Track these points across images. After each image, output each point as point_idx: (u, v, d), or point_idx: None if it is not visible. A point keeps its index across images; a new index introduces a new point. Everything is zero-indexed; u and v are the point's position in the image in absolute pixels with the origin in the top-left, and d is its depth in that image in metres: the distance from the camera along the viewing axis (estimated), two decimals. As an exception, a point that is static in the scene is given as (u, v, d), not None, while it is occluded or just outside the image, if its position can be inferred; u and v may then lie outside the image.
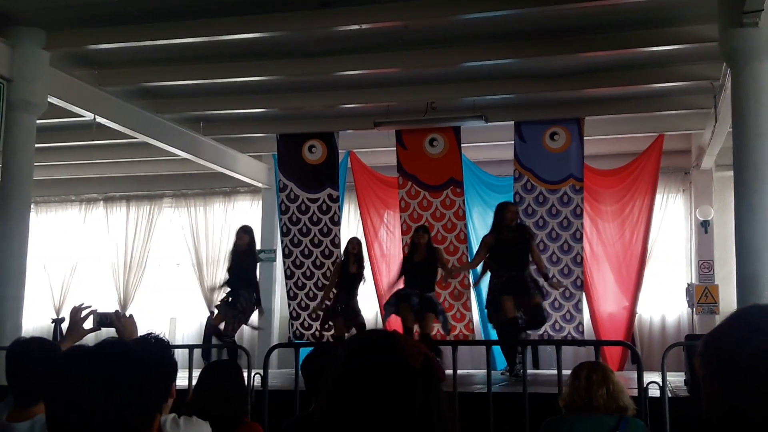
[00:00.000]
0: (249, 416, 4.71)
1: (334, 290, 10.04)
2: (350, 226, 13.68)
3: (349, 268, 9.72)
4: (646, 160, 11.94)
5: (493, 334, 9.91)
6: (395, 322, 9.53)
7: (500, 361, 9.97)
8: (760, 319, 1.54)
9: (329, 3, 8.17)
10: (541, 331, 8.92)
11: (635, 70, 10.02)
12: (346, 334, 9.72)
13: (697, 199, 12.67)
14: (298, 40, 9.20)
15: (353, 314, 9.67)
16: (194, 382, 4.26)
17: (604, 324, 11.94)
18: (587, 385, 4.02)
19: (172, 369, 2.46)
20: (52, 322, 14.64)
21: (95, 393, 1.65)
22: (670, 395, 5.94)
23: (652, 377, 5.99)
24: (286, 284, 12.38)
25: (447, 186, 11.70)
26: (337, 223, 12.17)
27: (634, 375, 5.94)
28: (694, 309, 11.91)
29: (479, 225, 12.36)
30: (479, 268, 10.67)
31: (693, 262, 12.78)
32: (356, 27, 8.45)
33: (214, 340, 9.52)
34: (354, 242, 9.92)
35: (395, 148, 11.84)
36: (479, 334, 11.66)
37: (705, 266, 12.41)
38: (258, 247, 13.80)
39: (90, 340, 2.63)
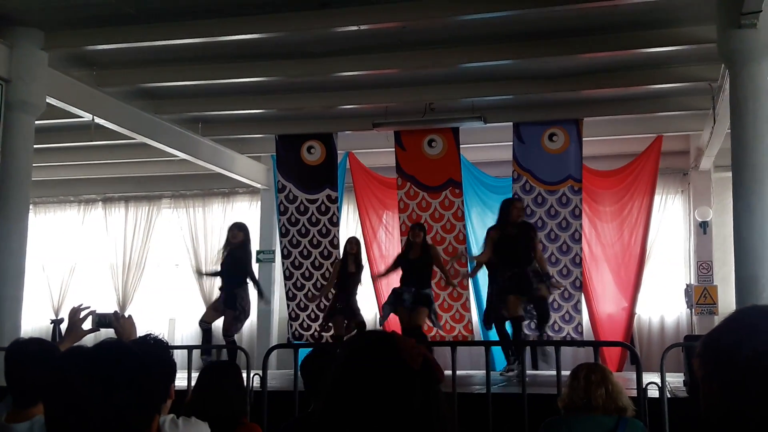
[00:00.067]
0: (248, 417, 4.71)
1: (332, 290, 10.04)
2: (349, 226, 13.68)
3: (347, 268, 9.72)
4: (644, 161, 11.95)
5: (492, 335, 9.91)
6: (394, 323, 9.54)
7: (499, 361, 9.98)
8: (759, 319, 1.55)
9: (328, 3, 8.18)
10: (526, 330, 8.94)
11: (634, 71, 10.03)
12: (345, 335, 9.71)
13: (695, 200, 12.68)
14: (296, 41, 9.20)
15: (352, 314, 9.67)
16: (193, 383, 4.26)
17: (603, 325, 11.95)
18: (586, 386, 4.02)
19: (171, 370, 2.46)
20: (51, 323, 14.63)
21: (94, 394, 1.65)
22: (669, 396, 5.94)
23: (651, 378, 5.99)
24: (285, 285, 12.38)
25: (446, 187, 11.70)
26: (336, 224, 12.17)
27: (633, 376, 5.94)
28: (693, 310, 11.93)
29: (478, 226, 12.36)
30: (473, 250, 10.70)
31: (692, 262, 12.79)
32: (355, 28, 8.45)
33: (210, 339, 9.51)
34: (353, 242, 9.92)
35: (394, 149, 11.84)
36: (478, 335, 11.66)
37: (704, 267, 12.42)
38: (257, 247, 13.88)
39: (89, 340, 2.63)
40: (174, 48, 9.27)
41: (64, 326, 6.26)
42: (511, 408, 5.88)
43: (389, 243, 12.87)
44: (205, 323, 9.39)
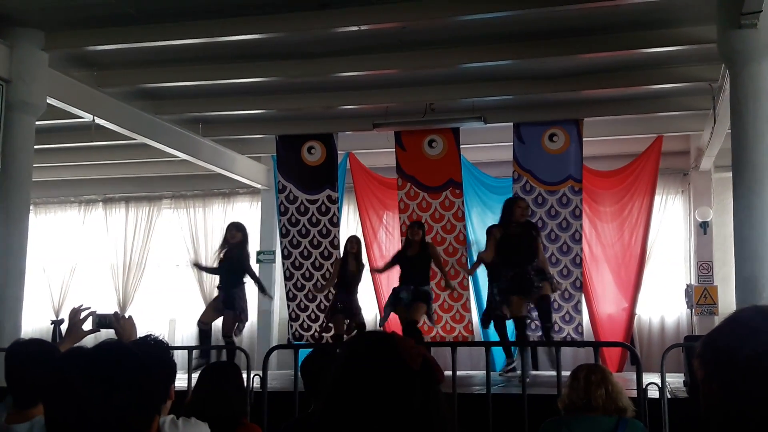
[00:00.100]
0: (248, 417, 4.72)
1: (332, 290, 10.05)
2: (349, 227, 13.68)
3: (348, 267, 9.73)
4: (645, 162, 11.95)
5: (492, 335, 9.91)
6: (394, 324, 9.54)
7: (500, 362, 9.97)
8: (759, 320, 1.55)
9: (328, 4, 8.18)
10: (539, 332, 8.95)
11: (634, 71, 10.03)
12: (345, 335, 9.72)
13: (695, 201, 12.68)
14: (297, 42, 9.20)
15: (352, 313, 9.67)
16: (193, 384, 4.26)
17: (604, 325, 11.95)
18: (586, 386, 4.02)
19: (171, 370, 2.46)
20: (52, 324, 14.62)
21: (94, 394, 1.65)
22: (669, 396, 5.94)
23: (651, 378, 5.99)
24: (285, 285, 12.38)
25: (446, 187, 11.70)
26: (336, 225, 12.17)
27: (634, 376, 5.94)
28: (693, 310, 11.93)
29: (478, 226, 12.36)
30: (474, 256, 10.68)
31: (692, 263, 12.79)
32: (355, 28, 8.45)
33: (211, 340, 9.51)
34: (353, 241, 9.93)
35: (394, 150, 11.84)
36: (478, 336, 11.66)
37: (704, 267, 12.42)
38: (257, 248, 13.88)
39: (89, 341, 2.63)
40: (174, 48, 9.27)
41: (64, 327, 6.27)
42: (511, 409, 5.88)
43: (390, 243, 12.87)
44: (204, 324, 9.38)
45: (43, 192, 14.71)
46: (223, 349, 9.21)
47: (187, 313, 14.46)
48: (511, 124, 11.39)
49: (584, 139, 11.20)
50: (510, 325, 10.09)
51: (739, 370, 1.48)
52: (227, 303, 9.31)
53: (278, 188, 12.38)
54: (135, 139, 11.32)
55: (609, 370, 4.29)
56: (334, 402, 1.40)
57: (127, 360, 1.74)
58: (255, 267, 13.49)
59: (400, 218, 11.88)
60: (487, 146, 12.61)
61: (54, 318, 14.79)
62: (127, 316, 3.28)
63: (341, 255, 10.27)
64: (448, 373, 5.57)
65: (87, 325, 3.43)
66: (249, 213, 14.82)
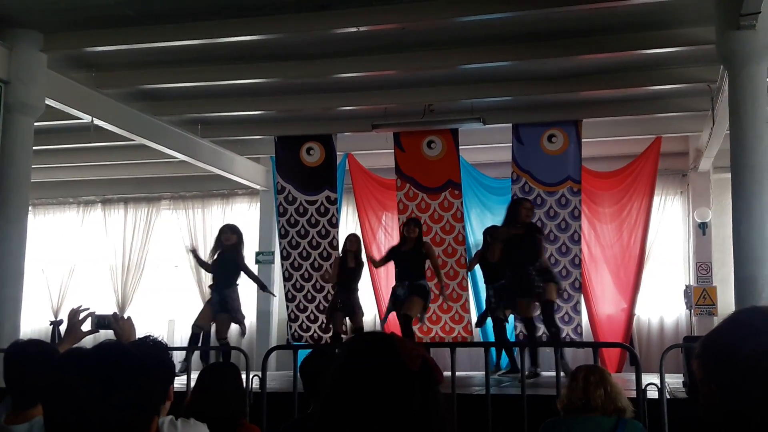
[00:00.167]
0: (247, 418, 4.72)
1: (331, 289, 10.06)
2: (348, 228, 13.65)
3: (347, 264, 9.73)
4: (643, 162, 11.96)
5: (491, 336, 9.91)
6: (394, 325, 9.54)
7: (502, 363, 9.97)
8: (758, 321, 1.55)
9: (327, 5, 8.18)
10: (539, 332, 8.94)
11: (633, 72, 10.03)
12: (344, 334, 9.71)
13: (694, 201, 12.69)
14: (296, 43, 9.20)
15: (353, 311, 9.67)
16: (192, 384, 4.26)
17: (603, 326, 11.95)
18: (585, 386, 4.03)
19: (170, 371, 2.46)
20: (50, 325, 14.62)
21: (93, 395, 1.65)
22: (668, 397, 5.94)
23: (650, 379, 5.99)
24: (284, 286, 12.38)
25: (445, 188, 11.70)
26: (336, 225, 12.17)
27: (633, 377, 5.94)
28: (692, 311, 11.93)
29: (477, 227, 12.35)
30: (473, 251, 10.68)
31: (691, 263, 12.80)
32: (354, 29, 8.45)
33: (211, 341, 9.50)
34: (352, 239, 9.94)
35: (393, 151, 11.84)
36: (478, 336, 11.66)
37: (703, 268, 12.43)
38: (256, 249, 13.88)
39: (88, 342, 2.63)
40: (173, 49, 9.27)
41: (63, 328, 6.26)
42: (510, 409, 5.88)
43: (389, 244, 12.84)
44: (198, 327, 9.35)
45: (42, 193, 14.70)
46: (220, 351, 9.19)
47: (186, 314, 14.43)
48: (510, 125, 11.39)
49: (583, 140, 11.21)
50: (509, 327, 10.12)
51: (739, 370, 1.48)
52: (220, 305, 9.31)
53: (277, 189, 12.38)
54: (134, 140, 11.32)
55: (608, 371, 4.30)
56: (332, 403, 1.40)
57: (126, 361, 1.74)
58: (254, 268, 13.53)
59: (399, 219, 11.86)
60: (486, 147, 12.61)
61: (53, 319, 14.79)
62: (126, 316, 3.29)
63: (340, 253, 10.27)
64: (447, 373, 5.58)
65: (86, 326, 3.43)
66: (248, 214, 14.83)
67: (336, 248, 11.88)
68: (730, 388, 1.49)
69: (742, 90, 7.08)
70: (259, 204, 14.42)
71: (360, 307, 9.80)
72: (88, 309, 3.47)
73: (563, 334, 10.91)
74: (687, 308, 12.25)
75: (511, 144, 11.37)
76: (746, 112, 7.01)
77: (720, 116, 9.56)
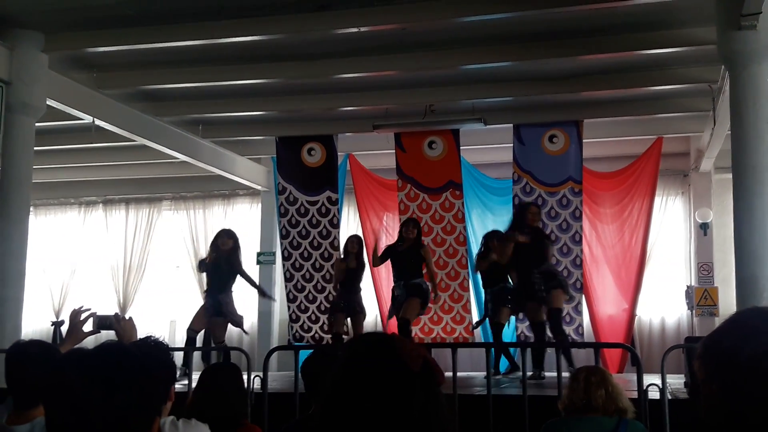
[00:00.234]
0: (248, 418, 4.72)
1: (332, 290, 10.06)
2: (349, 228, 13.67)
3: (349, 265, 9.72)
4: (645, 163, 11.95)
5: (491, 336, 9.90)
6: (395, 326, 9.53)
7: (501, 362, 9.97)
8: (759, 321, 1.55)
9: (327, 5, 8.17)
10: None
11: (634, 72, 10.03)
12: (345, 335, 9.71)
13: (696, 202, 12.68)
14: (297, 43, 9.20)
15: (355, 311, 9.67)
16: (194, 385, 4.26)
17: (604, 326, 11.94)
18: (586, 387, 4.03)
19: (172, 372, 2.46)
20: (52, 325, 14.61)
21: (95, 395, 1.65)
22: (669, 397, 5.94)
23: (651, 379, 5.99)
24: (286, 287, 12.38)
25: (446, 189, 11.69)
26: (337, 226, 12.17)
27: (634, 377, 5.94)
28: (694, 311, 11.92)
29: (478, 227, 12.37)
30: (473, 252, 10.67)
31: (692, 264, 12.79)
32: (355, 30, 8.45)
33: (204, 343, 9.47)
34: (354, 241, 9.92)
35: (394, 151, 11.84)
36: (479, 337, 11.66)
37: (704, 268, 12.42)
38: (257, 249, 13.88)
39: (89, 342, 2.63)
40: (174, 50, 9.27)
41: (64, 328, 6.27)
42: (511, 410, 5.88)
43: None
44: (193, 331, 9.32)
45: (43, 193, 14.71)
46: (221, 352, 9.17)
47: (188, 315, 14.41)
48: (511, 125, 11.39)
49: (584, 141, 11.20)
50: (510, 328, 10.11)
51: (740, 371, 1.48)
52: (215, 310, 9.27)
53: (278, 189, 12.38)
54: (135, 141, 11.33)
55: (608, 372, 4.30)
56: (333, 403, 1.40)
57: (127, 361, 1.74)
58: (255, 269, 13.55)
59: (400, 219, 11.85)
60: (487, 148, 12.60)
61: (54, 319, 14.78)
62: (127, 317, 3.29)
63: (342, 255, 10.26)
64: (448, 374, 5.57)
65: (87, 327, 3.43)
66: (249, 214, 14.84)
67: (337, 249, 11.87)
68: (732, 389, 1.49)
69: (743, 90, 7.08)
70: (260, 204, 14.43)
71: (362, 309, 9.78)
72: (89, 309, 3.47)
73: (564, 335, 10.92)
74: (688, 309, 12.24)
75: (512, 144, 11.37)
76: (747, 113, 7.01)
77: (721, 116, 9.55)
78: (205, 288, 9.61)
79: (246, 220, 14.71)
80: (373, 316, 12.51)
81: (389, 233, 12.97)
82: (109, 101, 10.35)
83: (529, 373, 8.15)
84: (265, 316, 13.63)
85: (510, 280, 9.45)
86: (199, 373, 4.17)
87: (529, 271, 8.51)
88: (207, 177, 13.80)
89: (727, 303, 10.81)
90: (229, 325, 9.50)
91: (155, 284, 15.11)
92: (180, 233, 15.00)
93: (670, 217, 13.17)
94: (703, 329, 11.46)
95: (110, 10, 8.30)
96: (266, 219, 14.05)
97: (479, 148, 12.47)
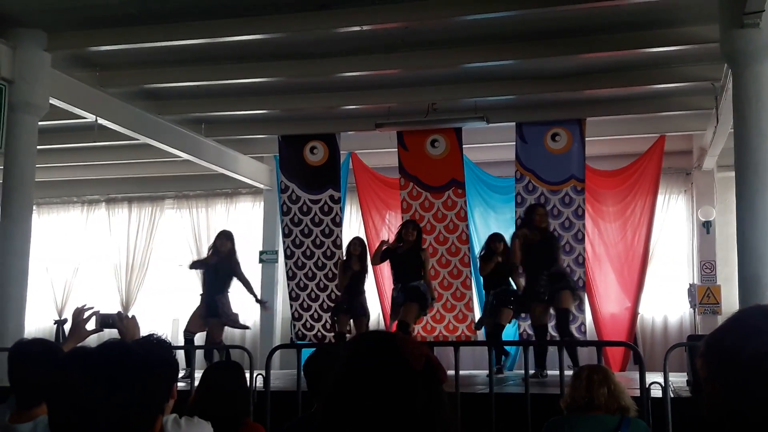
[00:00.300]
0: (251, 417, 4.72)
1: (335, 290, 10.07)
2: (352, 227, 13.68)
3: (352, 268, 9.72)
4: (647, 161, 11.94)
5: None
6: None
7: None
8: (761, 320, 1.55)
9: (328, 4, 8.17)
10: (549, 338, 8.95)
11: (636, 71, 10.02)
12: (348, 335, 9.71)
13: (698, 200, 12.67)
14: (299, 42, 9.20)
15: (357, 314, 9.66)
16: (196, 383, 4.27)
17: (606, 324, 11.94)
18: (588, 385, 4.03)
19: (174, 370, 2.46)
20: (55, 324, 14.63)
21: (97, 394, 1.65)
22: (672, 396, 5.94)
23: (654, 378, 5.99)
24: (288, 285, 12.38)
25: (449, 187, 11.69)
26: (339, 224, 12.17)
27: (637, 375, 5.95)
28: (696, 309, 11.91)
29: (481, 226, 12.37)
30: (476, 250, 10.67)
31: (695, 262, 12.78)
32: (357, 28, 8.45)
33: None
34: (356, 243, 9.92)
35: (396, 149, 11.84)
36: (481, 335, 11.65)
37: (707, 267, 12.41)
38: (260, 248, 13.89)
39: (92, 341, 2.64)
40: (177, 49, 9.28)
41: (67, 327, 6.27)
42: (514, 408, 5.88)
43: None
44: (190, 333, 9.31)
45: (46, 192, 14.72)
46: (224, 350, 9.17)
47: (190, 313, 14.46)
48: (514, 123, 11.38)
49: (587, 139, 11.20)
50: (512, 328, 10.07)
51: (742, 369, 1.48)
52: (210, 310, 9.26)
53: (281, 188, 12.39)
54: (138, 140, 11.33)
55: (611, 370, 4.31)
56: (336, 402, 1.40)
57: (130, 360, 1.75)
58: (258, 267, 13.56)
59: (402, 218, 11.84)
60: (490, 146, 12.60)
61: (57, 318, 14.81)
62: (130, 315, 3.29)
63: (344, 257, 10.24)
64: (450, 372, 5.57)
65: (90, 325, 3.43)
66: (251, 213, 14.85)
67: (339, 247, 11.88)
68: (734, 387, 1.49)
69: (746, 88, 7.06)
70: (262, 203, 14.43)
71: (365, 311, 9.78)
72: (92, 308, 3.48)
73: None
74: (691, 307, 12.23)
75: (514, 143, 11.36)
76: (750, 111, 7.00)
77: (724, 115, 9.54)
78: (200, 292, 9.56)
79: (248, 219, 14.73)
80: (375, 315, 12.51)
81: (392, 231, 12.97)
82: (112, 100, 10.36)
83: (531, 372, 8.18)
84: (267, 314, 13.62)
85: (513, 283, 9.45)
86: (202, 371, 4.18)
87: (539, 272, 8.50)
88: (210, 176, 13.81)
89: (730, 301, 10.80)
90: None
91: (158, 283, 15.13)
92: (183, 232, 15.01)
93: (673, 216, 13.16)
94: (705, 328, 11.45)
95: (113, 9, 8.31)
96: (269, 217, 14.06)
97: (482, 146, 12.46)
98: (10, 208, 8.74)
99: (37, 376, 2.81)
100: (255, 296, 9.85)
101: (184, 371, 7.55)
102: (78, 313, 3.42)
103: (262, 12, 8.38)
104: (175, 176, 14.59)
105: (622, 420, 3.95)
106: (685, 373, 7.72)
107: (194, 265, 10.12)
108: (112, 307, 10.99)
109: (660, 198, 12.34)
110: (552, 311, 8.84)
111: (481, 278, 10.09)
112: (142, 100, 11.09)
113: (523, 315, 9.97)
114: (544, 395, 6.18)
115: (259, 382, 6.40)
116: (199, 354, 8.83)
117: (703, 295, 11.67)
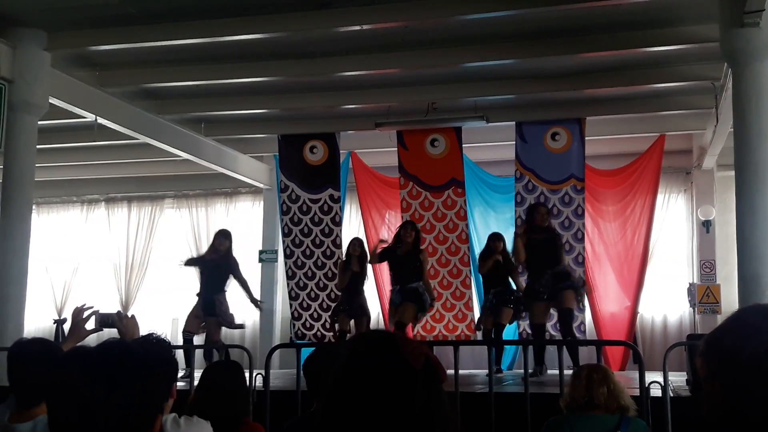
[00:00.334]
0: (251, 416, 4.72)
1: (335, 289, 10.06)
2: (351, 226, 13.68)
3: (351, 269, 9.71)
4: (647, 160, 11.95)
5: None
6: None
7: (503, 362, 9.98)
8: (761, 319, 1.55)
9: (327, 3, 8.17)
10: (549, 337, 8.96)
11: (636, 70, 10.02)
12: (349, 334, 9.71)
13: (698, 199, 12.67)
14: (299, 41, 9.20)
15: (357, 314, 9.66)
16: (195, 383, 4.27)
17: (606, 324, 11.94)
18: (588, 384, 4.03)
19: (173, 369, 2.46)
20: (54, 323, 14.65)
21: (97, 393, 1.65)
22: (671, 395, 5.94)
23: (653, 377, 5.99)
24: (288, 285, 12.39)
25: (448, 186, 11.69)
26: (339, 224, 12.17)
27: (636, 375, 5.94)
28: (696, 309, 11.91)
29: (480, 225, 12.37)
30: (476, 249, 10.67)
31: (694, 261, 12.78)
32: (357, 28, 8.45)
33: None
34: (356, 244, 9.91)
35: (396, 149, 11.84)
36: (481, 335, 11.66)
37: (706, 266, 12.41)
38: (260, 247, 13.89)
39: (92, 340, 2.64)
40: (177, 48, 9.28)
41: (67, 326, 6.26)
42: (513, 407, 5.88)
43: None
44: (188, 333, 9.29)
45: (46, 192, 14.72)
46: (223, 350, 9.16)
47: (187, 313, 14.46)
48: (514, 123, 11.38)
49: (586, 138, 11.20)
50: (508, 329, 10.04)
51: (742, 368, 1.48)
52: (207, 308, 9.23)
53: (280, 187, 12.39)
54: (137, 139, 11.33)
55: (610, 369, 4.31)
56: (335, 401, 1.39)
57: (129, 359, 1.74)
58: (257, 267, 13.56)
59: (402, 217, 11.85)
60: (490, 145, 12.60)
61: (56, 317, 14.82)
62: (129, 315, 3.29)
63: (344, 257, 10.23)
64: (450, 371, 5.58)
65: (90, 325, 3.43)
66: (251, 212, 14.85)
67: (339, 246, 11.88)
68: (734, 387, 1.49)
69: (746, 87, 7.06)
70: (262, 202, 14.43)
71: (365, 311, 9.78)
72: (91, 307, 3.48)
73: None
74: (690, 306, 12.23)
75: (514, 142, 11.36)
76: (750, 110, 7.00)
77: (724, 114, 9.54)
78: (197, 291, 9.53)
79: (248, 218, 14.73)
80: (375, 314, 12.51)
81: (391, 231, 12.97)
82: (112, 99, 10.36)
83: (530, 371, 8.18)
84: (267, 314, 13.62)
85: (512, 283, 9.45)
86: (201, 371, 4.18)
87: (543, 270, 8.49)
88: (209, 175, 13.81)
89: (730, 300, 10.80)
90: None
91: (157, 282, 15.12)
92: (182, 231, 15.00)
93: (673, 215, 13.16)
94: (705, 327, 11.45)
95: (113, 9, 8.30)
96: (268, 217, 14.06)
97: (481, 145, 12.46)
98: (9, 207, 8.74)
99: (36, 376, 2.81)
100: (251, 296, 9.78)
101: (183, 371, 7.54)
102: (77, 312, 3.41)
103: (261, 11, 8.38)
104: (174, 176, 14.59)
105: (622, 419, 3.95)
106: (685, 373, 7.72)
107: (189, 262, 10.10)
108: (111, 307, 11.03)
109: (660, 197, 12.35)
110: (553, 311, 8.83)
111: (481, 277, 10.10)
112: (142, 100, 11.09)
113: (523, 315, 9.97)
114: (544, 394, 6.17)
115: (259, 381, 6.40)
116: (199, 353, 8.82)
117: (703, 295, 11.68)
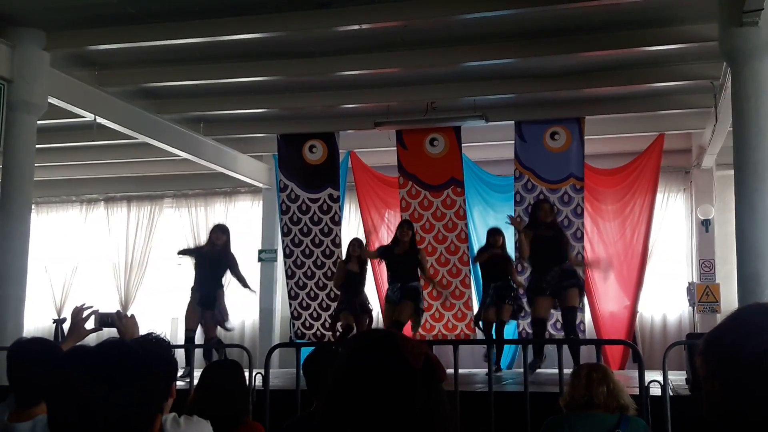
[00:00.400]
0: (250, 416, 4.72)
1: (335, 289, 10.05)
2: (351, 225, 13.69)
3: (350, 268, 9.71)
4: (646, 160, 11.95)
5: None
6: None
7: (503, 361, 9.98)
8: (761, 318, 1.55)
9: (327, 3, 8.18)
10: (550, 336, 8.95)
11: (635, 69, 10.02)
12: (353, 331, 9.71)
13: (697, 198, 12.67)
14: (298, 41, 9.20)
15: (356, 312, 9.65)
16: (195, 382, 4.27)
17: (606, 323, 11.94)
18: (587, 383, 4.03)
19: (173, 368, 2.46)
20: (54, 323, 14.65)
21: (96, 393, 1.65)
22: (671, 394, 5.94)
23: (653, 376, 5.99)
24: (287, 284, 12.39)
25: (448, 186, 11.70)
26: (338, 223, 12.18)
27: (636, 374, 5.94)
28: (696, 308, 11.92)
29: (480, 224, 12.36)
30: (475, 249, 10.67)
31: (694, 261, 12.78)
32: (356, 27, 8.45)
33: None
34: (355, 244, 9.90)
35: (396, 148, 11.85)
36: (480, 333, 11.65)
37: (706, 265, 12.41)
38: (259, 246, 13.89)
39: (91, 340, 2.64)
40: (176, 48, 9.27)
41: (66, 326, 6.26)
42: (513, 406, 5.88)
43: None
44: (190, 331, 9.25)
45: (45, 191, 14.72)
46: (223, 349, 9.13)
47: (185, 311, 14.45)
48: (513, 122, 11.39)
49: (586, 138, 11.21)
50: (507, 328, 10.04)
51: (741, 367, 1.48)
52: (205, 302, 9.17)
53: (280, 187, 12.39)
54: (136, 139, 11.33)
55: (610, 368, 4.31)
56: (335, 400, 1.39)
57: (129, 359, 1.74)
58: (257, 266, 13.55)
59: (401, 217, 11.85)
60: (489, 144, 12.61)
61: (56, 317, 14.82)
62: (129, 314, 3.29)
63: (344, 257, 10.23)
64: (450, 371, 5.58)
65: (89, 324, 3.43)
66: (250, 212, 14.85)
67: (339, 246, 11.89)
68: (733, 386, 1.49)
69: (745, 86, 7.06)
70: (261, 202, 14.43)
71: (366, 308, 9.76)
72: (91, 307, 3.47)
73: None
74: (690, 305, 12.23)
75: (513, 141, 11.37)
76: (749, 109, 7.00)
77: (723, 113, 9.55)
78: (192, 285, 9.49)
79: (247, 218, 14.73)
80: (375, 315, 12.51)
81: (390, 230, 12.97)
82: (111, 99, 10.36)
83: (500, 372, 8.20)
84: (266, 313, 13.64)
85: (510, 279, 9.46)
86: (201, 370, 4.18)
87: (550, 267, 8.47)
88: (208, 174, 13.81)
89: (729, 300, 10.80)
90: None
91: (157, 282, 15.13)
92: (181, 231, 15.00)
93: (672, 214, 13.17)
94: (704, 326, 11.45)
95: (112, 8, 8.30)
96: (268, 216, 14.05)
97: (481, 145, 12.47)
98: (9, 207, 8.74)
99: (36, 376, 2.81)
100: (248, 287, 9.68)
101: (183, 370, 7.53)
102: (77, 312, 3.41)
103: (261, 11, 8.38)
104: (174, 175, 14.59)
105: (621, 418, 3.95)
106: (684, 372, 7.72)
107: (184, 252, 10.05)
108: (111, 306, 11.00)
109: (659, 196, 12.35)
110: (554, 311, 8.82)
111: (480, 272, 10.09)
112: (141, 99, 11.09)
113: (522, 314, 9.98)
114: (544, 394, 6.17)
115: (258, 380, 6.40)
116: (198, 353, 8.81)
117: (702, 294, 11.68)
